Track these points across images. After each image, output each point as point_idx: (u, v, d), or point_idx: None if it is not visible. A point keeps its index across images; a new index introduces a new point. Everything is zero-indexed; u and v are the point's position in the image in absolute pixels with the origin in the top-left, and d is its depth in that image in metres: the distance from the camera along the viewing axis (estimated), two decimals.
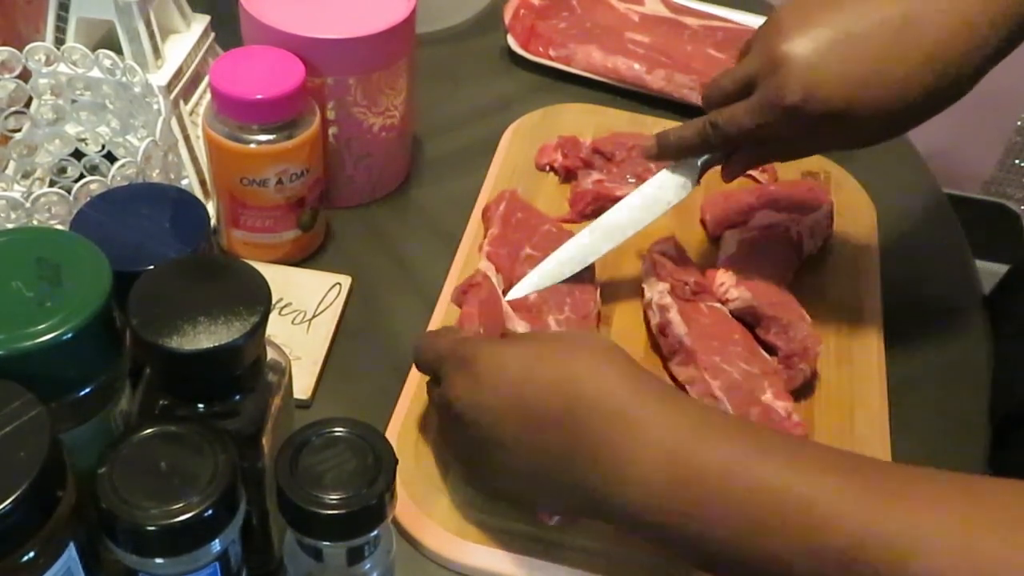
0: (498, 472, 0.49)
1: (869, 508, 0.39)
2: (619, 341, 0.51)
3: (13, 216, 0.55)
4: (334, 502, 0.41)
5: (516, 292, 0.63)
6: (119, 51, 0.66)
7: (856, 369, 0.63)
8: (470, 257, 0.68)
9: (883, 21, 0.53)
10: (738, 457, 0.42)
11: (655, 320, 0.63)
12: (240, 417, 0.44)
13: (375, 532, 0.43)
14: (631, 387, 0.46)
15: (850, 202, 0.76)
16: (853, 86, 0.53)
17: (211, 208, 0.67)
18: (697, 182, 0.63)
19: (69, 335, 0.40)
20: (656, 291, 0.63)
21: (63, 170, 0.68)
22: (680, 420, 0.44)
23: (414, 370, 0.61)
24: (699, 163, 0.63)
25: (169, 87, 0.68)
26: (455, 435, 0.52)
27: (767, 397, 0.58)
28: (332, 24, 0.65)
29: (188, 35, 0.71)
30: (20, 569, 0.36)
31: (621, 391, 0.45)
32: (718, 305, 0.64)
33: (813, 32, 0.54)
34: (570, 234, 0.66)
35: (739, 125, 0.57)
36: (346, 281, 0.66)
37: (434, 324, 0.64)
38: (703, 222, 0.73)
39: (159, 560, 0.39)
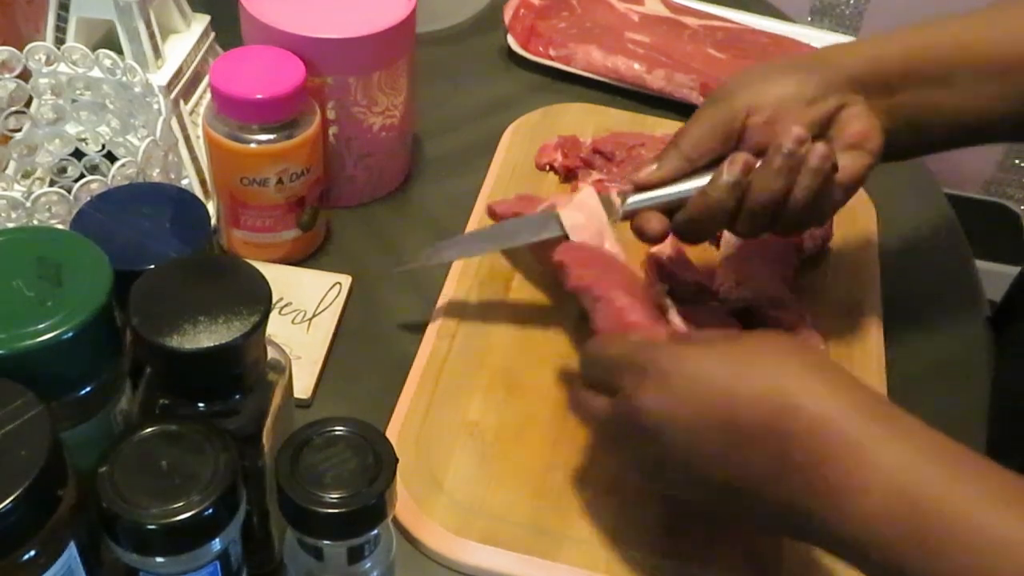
0: (685, 487, 0.47)
1: None
2: None
3: (13, 216, 0.55)
4: (334, 501, 0.41)
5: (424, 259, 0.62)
6: (119, 51, 0.66)
7: (856, 369, 0.63)
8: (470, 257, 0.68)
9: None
10: (979, 503, 0.39)
11: None
12: (240, 416, 0.44)
13: (375, 531, 0.43)
14: (852, 407, 0.42)
15: (850, 202, 0.76)
16: None
17: (211, 208, 0.67)
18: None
19: (70, 334, 0.40)
20: (656, 291, 0.63)
21: (63, 170, 0.68)
22: (911, 451, 0.41)
23: (414, 370, 0.61)
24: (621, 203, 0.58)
25: (169, 87, 0.68)
26: (638, 450, 0.48)
27: None
28: (332, 24, 0.65)
29: (188, 35, 0.71)
30: (21, 568, 0.36)
31: (841, 410, 0.42)
32: (718, 305, 0.64)
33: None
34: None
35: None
36: (346, 281, 0.66)
37: (434, 324, 0.64)
38: None
39: (160, 559, 0.39)
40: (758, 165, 0.54)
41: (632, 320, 0.54)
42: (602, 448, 0.53)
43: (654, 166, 0.56)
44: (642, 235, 0.57)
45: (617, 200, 0.58)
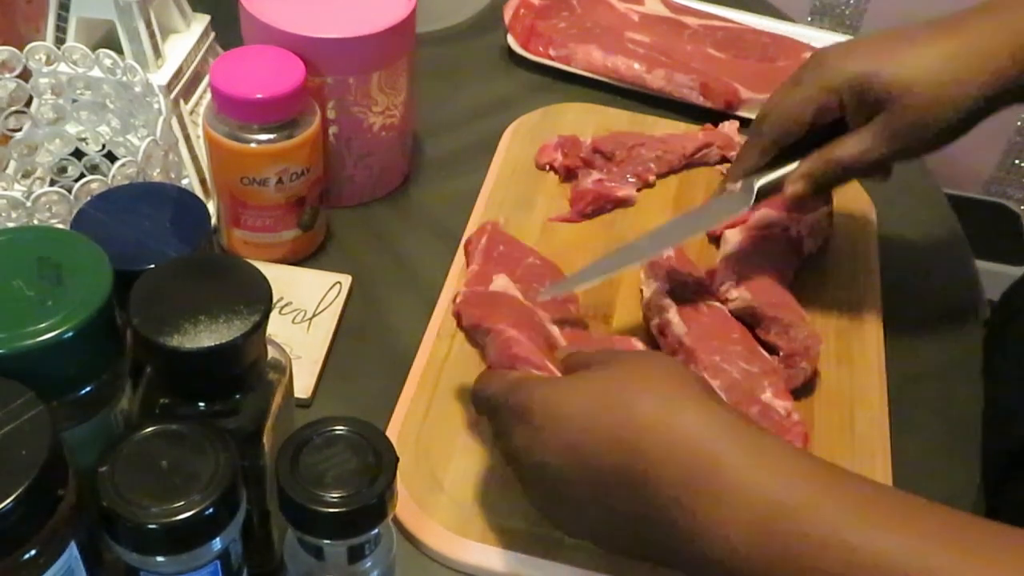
0: (570, 526, 0.47)
1: None
2: None
3: (14, 215, 0.55)
4: (335, 501, 0.41)
5: (557, 289, 0.63)
6: (119, 51, 0.66)
7: (856, 368, 0.63)
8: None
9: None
10: (839, 524, 0.38)
11: (654, 320, 0.63)
12: (241, 416, 0.44)
13: (376, 531, 0.43)
14: (709, 433, 0.41)
15: (850, 202, 0.76)
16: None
17: (212, 207, 0.67)
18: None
19: (70, 334, 0.40)
20: (655, 291, 0.63)
21: (64, 169, 0.68)
22: (770, 475, 0.40)
23: (414, 370, 0.61)
24: (756, 186, 0.63)
25: (169, 87, 0.68)
26: (522, 483, 0.48)
27: (767, 396, 0.58)
28: (332, 24, 0.65)
29: (188, 35, 0.71)
30: (21, 568, 0.36)
31: (697, 439, 0.41)
32: (718, 305, 0.64)
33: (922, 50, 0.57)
34: (553, 265, 0.66)
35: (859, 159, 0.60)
36: (346, 280, 0.66)
37: (434, 324, 0.64)
38: None
39: (160, 558, 0.39)
40: None
41: (516, 352, 0.56)
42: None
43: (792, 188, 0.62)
44: (797, 201, 0.63)
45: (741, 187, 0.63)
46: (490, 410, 0.49)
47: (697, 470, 0.40)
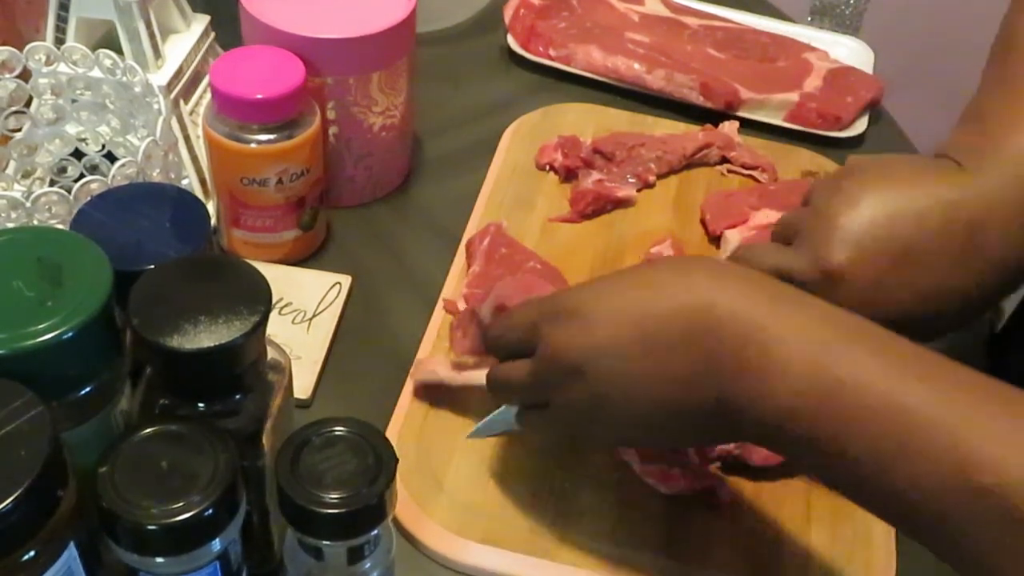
0: (621, 419, 0.46)
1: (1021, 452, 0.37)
2: None
3: (13, 216, 0.55)
4: (334, 501, 0.41)
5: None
6: (119, 51, 0.66)
7: None
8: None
9: (948, 234, 0.49)
10: (888, 374, 0.40)
11: None
12: (240, 416, 0.44)
13: (375, 531, 0.43)
14: (762, 297, 0.43)
15: None
16: (916, 301, 0.50)
17: (211, 208, 0.67)
18: None
19: (70, 334, 0.40)
20: None
21: (63, 170, 0.68)
22: (823, 328, 0.42)
23: (414, 370, 0.61)
24: None
25: (169, 87, 0.68)
26: (569, 396, 0.47)
27: None
28: (332, 24, 0.65)
29: (188, 35, 0.71)
30: (21, 568, 0.36)
31: (753, 303, 0.43)
32: None
33: (876, 248, 0.50)
34: (555, 269, 0.65)
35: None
36: (346, 281, 0.66)
37: (434, 324, 0.64)
38: (703, 222, 0.73)
39: (160, 559, 0.39)
40: None
41: (539, 287, 0.56)
42: (534, 426, 0.52)
43: None
44: None
45: None
46: (525, 328, 0.49)
47: (756, 326, 0.42)
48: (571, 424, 0.49)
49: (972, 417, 0.38)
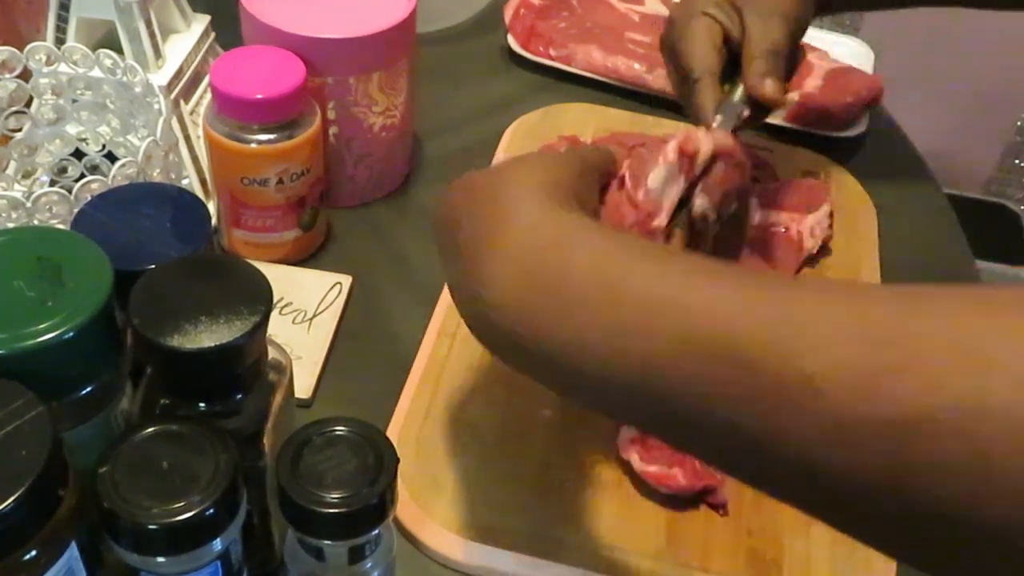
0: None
1: (748, 301, 0.34)
2: None
3: (14, 216, 0.55)
4: (335, 501, 0.41)
5: None
6: (120, 51, 0.66)
7: None
8: None
9: None
10: (609, 258, 0.38)
11: None
12: (241, 416, 0.44)
13: (376, 531, 0.43)
14: (527, 189, 0.43)
15: (850, 202, 0.76)
16: None
17: (212, 208, 0.67)
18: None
19: (70, 334, 0.40)
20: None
21: (64, 170, 0.68)
22: (556, 222, 0.41)
23: (414, 370, 0.61)
24: (732, 106, 0.61)
25: (169, 87, 0.68)
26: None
27: None
28: (332, 24, 0.65)
29: (188, 35, 0.71)
30: (21, 568, 0.36)
31: (514, 188, 0.43)
32: None
33: None
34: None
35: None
36: (347, 281, 0.66)
37: (434, 324, 0.64)
38: None
39: (160, 559, 0.39)
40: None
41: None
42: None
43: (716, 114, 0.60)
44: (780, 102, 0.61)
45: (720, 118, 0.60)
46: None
47: (501, 208, 0.42)
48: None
49: (690, 277, 0.36)
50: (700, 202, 0.52)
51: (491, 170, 0.48)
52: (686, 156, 0.51)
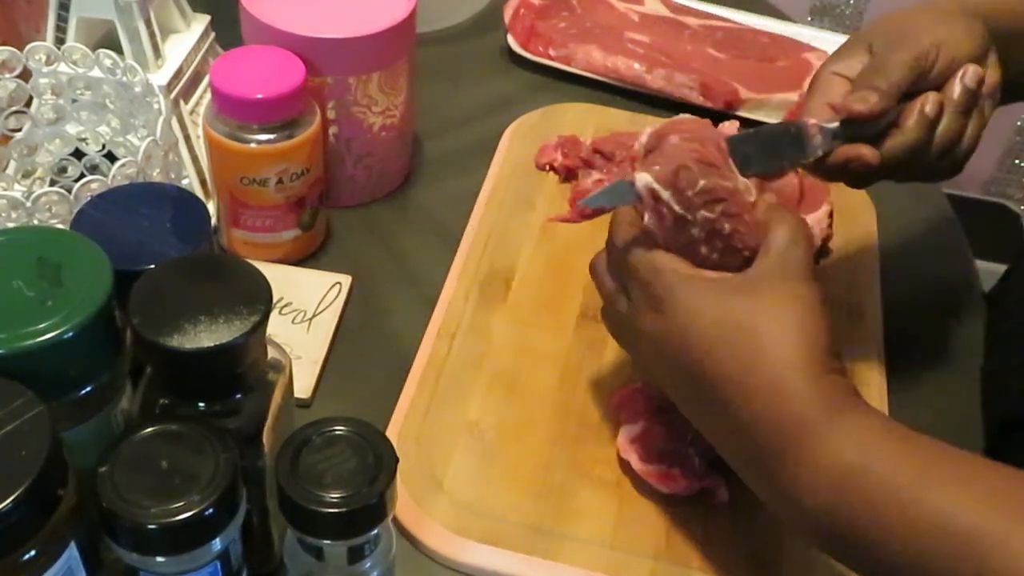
0: (661, 359, 0.49)
1: None
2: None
3: (14, 216, 0.55)
4: (335, 501, 0.41)
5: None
6: (119, 51, 0.66)
7: (856, 369, 0.63)
8: (470, 257, 0.68)
9: None
10: (911, 479, 0.42)
11: None
12: (241, 416, 0.44)
13: (375, 531, 0.43)
14: (813, 388, 0.44)
15: (850, 202, 0.76)
16: None
17: (211, 207, 0.67)
18: None
19: (70, 334, 0.40)
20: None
21: (64, 170, 0.68)
22: (859, 433, 0.44)
23: (414, 370, 0.61)
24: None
25: (169, 87, 0.68)
26: (634, 350, 0.52)
27: None
28: (332, 24, 0.65)
29: (188, 35, 0.71)
30: (21, 568, 0.36)
31: (801, 392, 0.44)
32: None
33: None
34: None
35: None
36: (346, 281, 0.66)
37: (434, 324, 0.64)
38: None
39: (160, 559, 0.39)
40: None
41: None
42: (606, 315, 0.54)
43: (862, 98, 0.52)
44: (847, 170, 0.53)
45: (815, 130, 0.53)
46: (624, 274, 0.51)
47: (798, 417, 0.44)
48: (620, 328, 0.52)
49: (991, 517, 0.40)
50: (641, 176, 0.49)
51: (747, 329, 0.46)
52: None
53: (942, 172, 0.56)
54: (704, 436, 0.50)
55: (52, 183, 0.68)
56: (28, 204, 0.54)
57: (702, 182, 0.48)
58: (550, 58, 0.87)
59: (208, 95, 0.68)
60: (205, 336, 0.41)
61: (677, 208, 0.48)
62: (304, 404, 0.59)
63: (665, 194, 0.48)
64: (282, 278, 0.65)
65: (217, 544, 0.40)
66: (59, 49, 0.65)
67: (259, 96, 0.60)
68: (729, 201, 0.49)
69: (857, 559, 0.44)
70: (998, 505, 0.40)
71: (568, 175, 0.75)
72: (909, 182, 0.57)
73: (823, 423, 0.44)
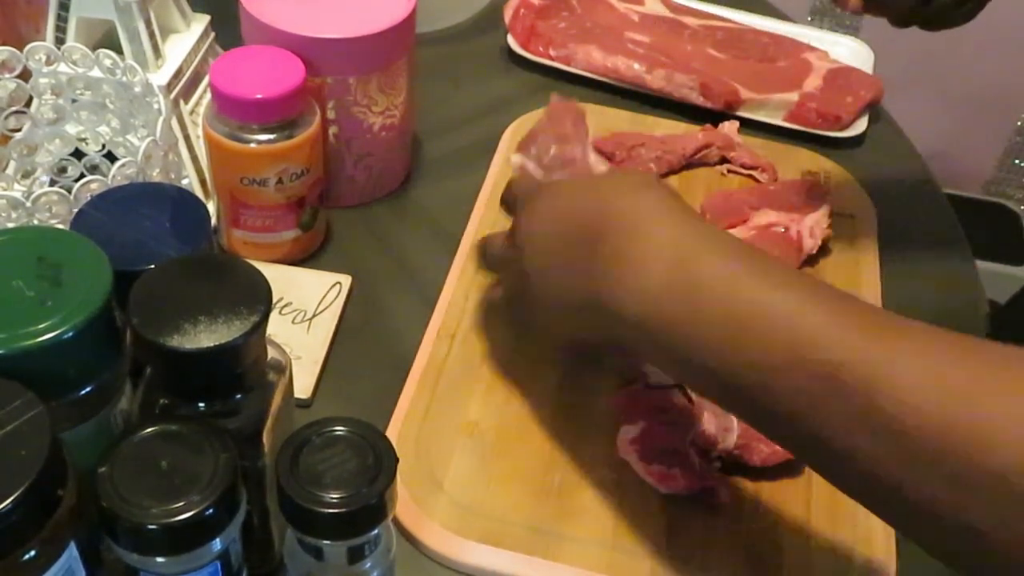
0: (536, 301, 0.53)
1: (852, 333, 0.40)
2: None
3: (14, 216, 0.55)
4: (335, 501, 0.41)
5: None
6: (119, 51, 0.66)
7: None
8: (470, 257, 0.68)
9: None
10: (734, 272, 0.44)
11: None
12: (241, 416, 0.44)
13: (375, 531, 0.43)
14: (653, 205, 0.48)
15: (850, 202, 0.76)
16: None
17: (211, 207, 0.67)
18: None
19: (70, 334, 0.40)
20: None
21: (63, 170, 0.68)
22: (687, 234, 0.46)
23: (414, 370, 0.61)
24: None
25: (169, 87, 0.68)
26: (510, 273, 0.56)
27: None
28: (332, 24, 0.65)
29: (188, 35, 0.71)
30: (21, 568, 0.36)
31: (642, 208, 0.48)
32: None
33: None
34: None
35: None
36: (346, 281, 0.66)
37: (434, 324, 0.64)
38: None
39: (160, 559, 0.39)
40: None
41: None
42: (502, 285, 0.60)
43: None
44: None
45: None
46: (512, 205, 0.57)
47: (635, 227, 0.48)
48: (510, 294, 0.58)
49: (805, 303, 0.42)
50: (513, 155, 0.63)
51: (616, 187, 0.51)
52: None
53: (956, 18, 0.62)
54: (573, 318, 0.52)
55: (52, 183, 0.68)
56: (28, 204, 0.54)
57: (553, 149, 0.62)
58: (550, 58, 0.87)
59: (208, 95, 0.68)
60: (205, 336, 0.41)
61: (539, 170, 0.61)
62: (304, 404, 0.59)
63: (529, 163, 0.62)
64: (282, 278, 0.65)
65: (217, 544, 0.40)
66: (59, 49, 0.65)
67: (259, 96, 0.60)
68: (577, 164, 0.62)
69: (678, 351, 0.45)
70: (818, 297, 0.43)
71: None
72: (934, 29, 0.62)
73: (665, 219, 0.47)
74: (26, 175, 0.68)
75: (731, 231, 0.69)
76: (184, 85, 0.70)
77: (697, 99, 0.83)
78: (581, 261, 0.49)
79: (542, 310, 0.54)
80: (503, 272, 0.60)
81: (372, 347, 0.64)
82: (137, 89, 0.64)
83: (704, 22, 0.91)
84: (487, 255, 0.61)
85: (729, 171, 0.78)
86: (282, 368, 0.47)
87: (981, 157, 1.70)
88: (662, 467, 0.55)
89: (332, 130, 0.68)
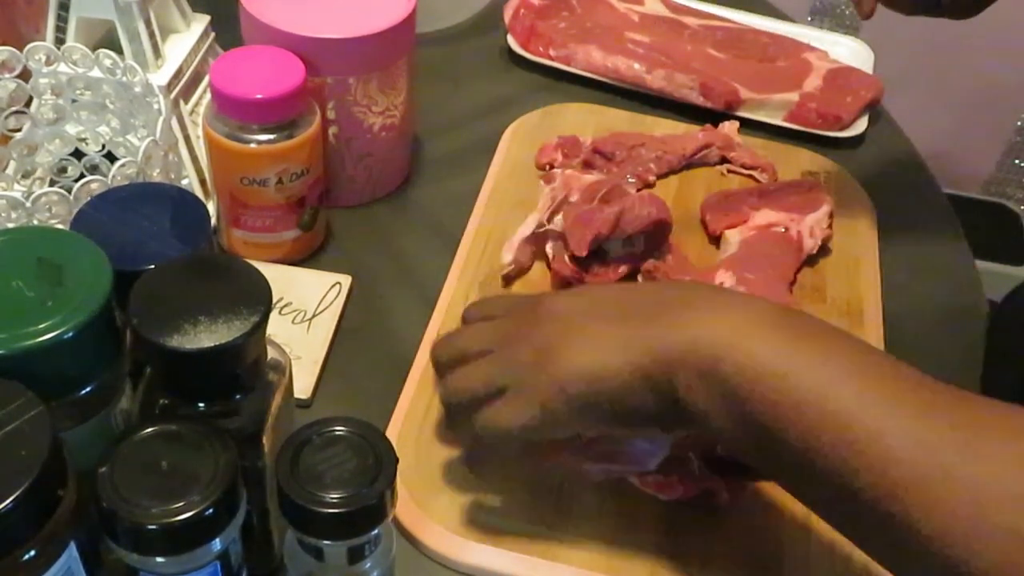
0: (571, 354, 0.47)
1: (935, 452, 0.40)
2: None
3: (14, 216, 0.55)
4: (335, 501, 0.41)
5: None
6: (119, 51, 0.66)
7: None
8: (470, 257, 0.68)
9: None
10: (839, 380, 0.43)
11: None
12: (241, 416, 0.44)
13: (376, 531, 0.43)
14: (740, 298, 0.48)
15: (850, 202, 0.76)
16: None
17: (211, 208, 0.67)
18: None
19: (70, 334, 0.40)
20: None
21: (63, 170, 0.68)
22: (785, 337, 0.44)
23: (414, 369, 0.61)
24: None
25: (169, 87, 0.68)
26: (523, 339, 0.49)
27: None
28: (332, 24, 0.65)
29: (188, 35, 0.71)
30: (21, 568, 0.36)
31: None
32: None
33: None
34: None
35: None
36: (346, 281, 0.66)
37: (434, 324, 0.64)
38: (703, 222, 0.73)
39: (160, 559, 0.39)
40: None
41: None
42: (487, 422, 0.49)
43: None
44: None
45: None
46: (506, 306, 0.54)
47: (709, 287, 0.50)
48: (531, 359, 0.48)
49: (893, 420, 0.41)
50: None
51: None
52: None
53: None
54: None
55: (52, 183, 0.68)
56: (28, 204, 0.54)
57: None
58: (550, 58, 0.87)
59: (208, 95, 0.68)
60: (205, 336, 0.41)
61: None
62: (304, 404, 0.59)
63: None
64: (282, 278, 0.65)
65: (217, 544, 0.40)
66: (59, 49, 0.65)
67: (259, 96, 0.60)
68: None
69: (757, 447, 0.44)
70: (898, 405, 0.42)
71: None
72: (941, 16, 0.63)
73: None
74: (26, 175, 0.68)
75: (731, 231, 0.69)
76: (184, 85, 0.70)
77: (697, 99, 0.83)
78: (647, 307, 0.47)
79: (564, 380, 0.47)
80: (462, 371, 0.51)
81: (372, 347, 0.64)
82: (137, 89, 0.64)
83: (704, 22, 0.91)
84: (450, 345, 0.53)
85: (729, 171, 0.78)
86: (282, 368, 0.47)
87: (981, 157, 1.70)
88: (659, 476, 0.55)
89: (332, 130, 0.68)
